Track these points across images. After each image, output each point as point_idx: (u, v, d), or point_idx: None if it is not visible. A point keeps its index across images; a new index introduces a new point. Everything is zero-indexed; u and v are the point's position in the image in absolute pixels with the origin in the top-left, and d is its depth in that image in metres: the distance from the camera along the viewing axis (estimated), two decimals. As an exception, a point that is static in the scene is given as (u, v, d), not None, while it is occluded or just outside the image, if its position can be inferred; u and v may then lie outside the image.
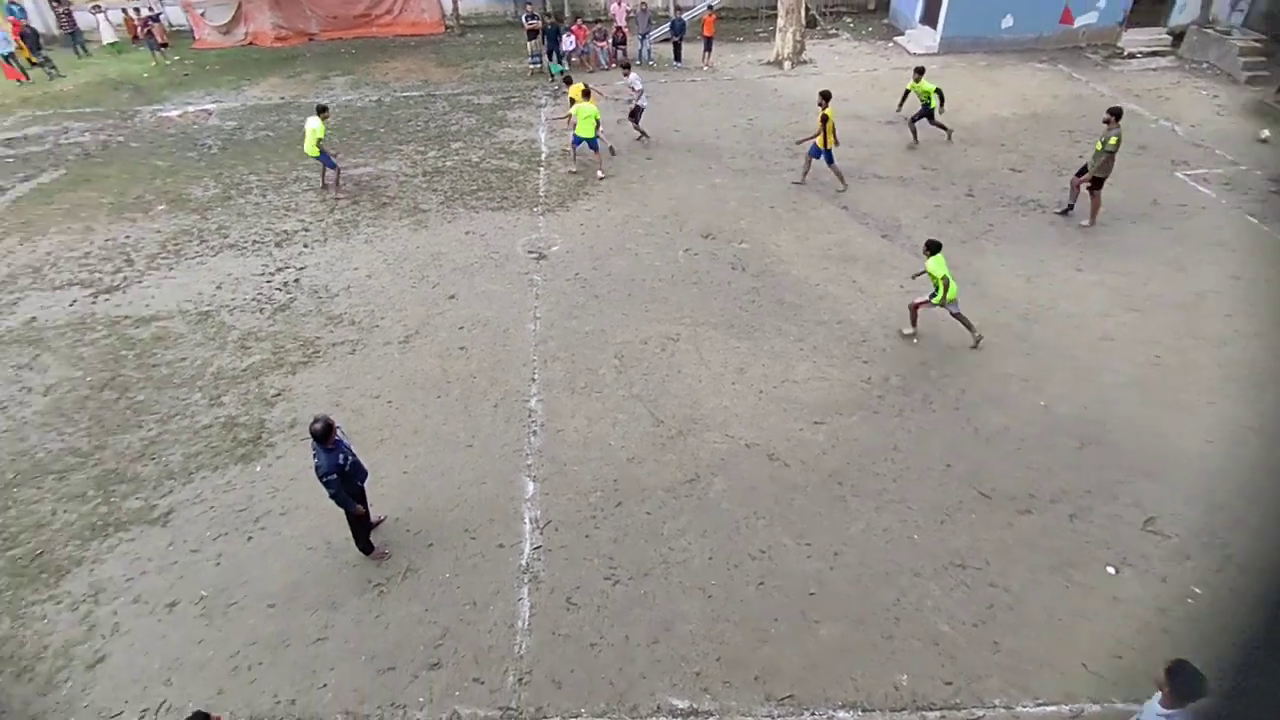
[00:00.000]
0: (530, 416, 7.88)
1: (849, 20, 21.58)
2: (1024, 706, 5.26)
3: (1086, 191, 10.70)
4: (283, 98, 17.36)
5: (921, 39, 18.81)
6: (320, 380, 8.49)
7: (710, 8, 18.50)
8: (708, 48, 17.86)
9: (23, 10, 21.15)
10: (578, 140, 12.55)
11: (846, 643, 5.68)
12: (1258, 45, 16.24)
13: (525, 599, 6.08)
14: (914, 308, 8.60)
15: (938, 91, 12.79)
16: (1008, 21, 18.01)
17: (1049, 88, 15.89)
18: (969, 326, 8.50)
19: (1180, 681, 3.96)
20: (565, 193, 12.33)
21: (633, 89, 13.40)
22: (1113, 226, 10.79)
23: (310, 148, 12.11)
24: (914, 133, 13.47)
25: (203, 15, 21.18)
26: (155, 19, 20.59)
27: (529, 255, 10.71)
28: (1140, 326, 8.86)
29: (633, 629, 5.82)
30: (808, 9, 18.93)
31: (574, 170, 12.97)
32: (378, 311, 9.60)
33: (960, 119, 14.45)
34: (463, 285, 10.07)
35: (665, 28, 18.66)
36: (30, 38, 19.36)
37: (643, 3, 18.80)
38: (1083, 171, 10.70)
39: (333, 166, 12.58)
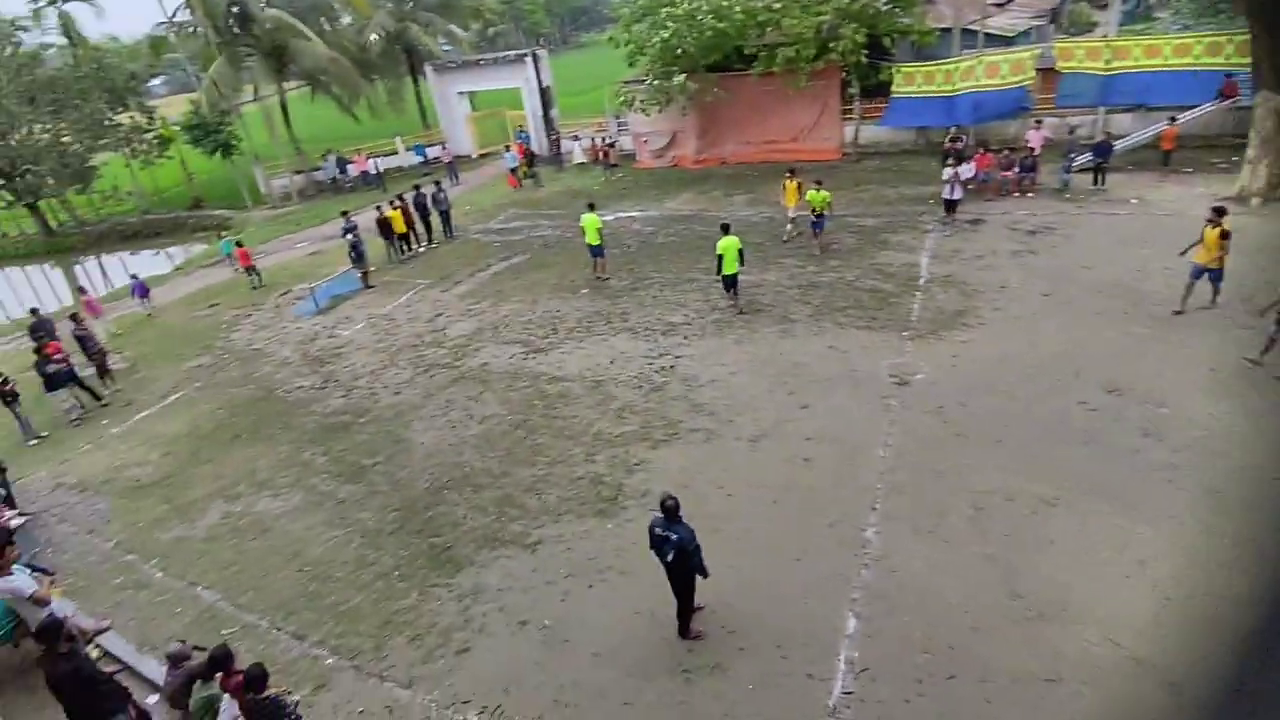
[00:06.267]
0: (864, 546, 7.47)
1: (1363, 150, 16.82)
2: None
3: None
4: (692, 210, 20.16)
5: None
6: (675, 460, 9.31)
7: (1172, 119, 16.47)
8: (1165, 162, 16.18)
9: (528, 137, 28.92)
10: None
11: None
12: None
13: (826, 745, 5.66)
14: None
15: None
16: None
17: None
18: None
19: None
20: (941, 321, 11.77)
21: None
22: None
23: (592, 237, 15.08)
24: None
25: (645, 142, 26.03)
26: (611, 145, 26.19)
27: (890, 379, 10.40)
28: None
29: (946, 834, 4.95)
30: (1296, 137, 15.31)
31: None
32: (735, 407, 10.24)
33: None
34: (817, 397, 10.19)
35: (1088, 155, 16.93)
36: (528, 157, 26.29)
37: (1071, 128, 17.41)
38: None
39: (602, 255, 15.45)
